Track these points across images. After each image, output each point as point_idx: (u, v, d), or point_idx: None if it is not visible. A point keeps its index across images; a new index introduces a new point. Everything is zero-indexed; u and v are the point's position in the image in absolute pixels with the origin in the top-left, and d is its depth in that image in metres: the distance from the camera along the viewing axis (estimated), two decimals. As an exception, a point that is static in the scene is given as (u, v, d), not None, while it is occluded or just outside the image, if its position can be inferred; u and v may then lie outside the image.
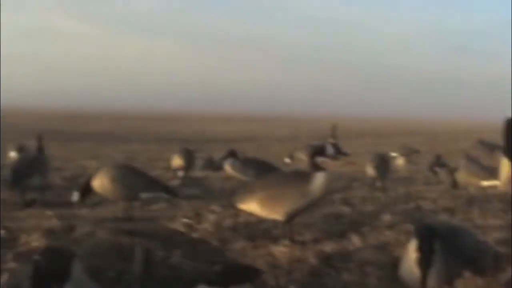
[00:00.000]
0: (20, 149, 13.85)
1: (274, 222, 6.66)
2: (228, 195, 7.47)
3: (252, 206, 6.34)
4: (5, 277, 4.92)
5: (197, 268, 3.38)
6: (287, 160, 18.12)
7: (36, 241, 6.37)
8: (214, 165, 14.50)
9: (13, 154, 13.84)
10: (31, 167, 8.82)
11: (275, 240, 6.34)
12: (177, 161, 12.59)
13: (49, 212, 8.15)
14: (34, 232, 6.81)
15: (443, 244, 4.44)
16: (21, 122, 42.40)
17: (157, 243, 3.48)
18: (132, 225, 5.26)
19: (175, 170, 12.63)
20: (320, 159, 6.26)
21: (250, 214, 6.66)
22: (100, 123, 45.72)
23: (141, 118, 69.52)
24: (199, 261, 3.42)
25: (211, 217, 7.63)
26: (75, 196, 7.98)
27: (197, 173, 13.99)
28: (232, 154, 10.58)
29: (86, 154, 18.33)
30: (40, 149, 9.33)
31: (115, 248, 3.44)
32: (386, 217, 7.76)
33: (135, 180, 7.71)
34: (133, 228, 3.89)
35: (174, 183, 11.55)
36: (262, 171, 9.60)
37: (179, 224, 7.27)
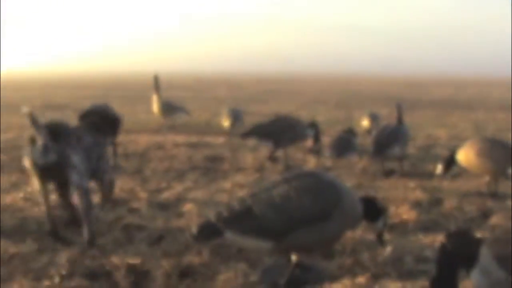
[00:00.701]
0: (373, 117, 14.14)
1: None
2: None
3: None
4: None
5: None
6: None
7: (405, 214, 6.39)
8: None
9: (365, 123, 14.19)
10: (392, 138, 8.88)
11: None
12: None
13: (411, 184, 8.16)
14: (402, 203, 6.86)
15: None
16: (365, 89, 43.72)
17: None
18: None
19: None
20: None
21: None
22: (442, 89, 44.97)
23: (481, 84, 66.71)
24: None
25: None
26: (438, 169, 7.87)
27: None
28: None
29: (432, 123, 18.09)
30: (399, 119, 9.33)
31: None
32: None
33: (504, 153, 7.26)
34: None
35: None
36: None
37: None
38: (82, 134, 5.50)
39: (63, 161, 5.08)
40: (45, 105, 23.38)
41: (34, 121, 4.97)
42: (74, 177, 5.12)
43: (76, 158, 5.15)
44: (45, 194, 5.40)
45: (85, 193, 5.20)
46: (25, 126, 14.43)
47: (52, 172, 5.18)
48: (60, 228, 5.64)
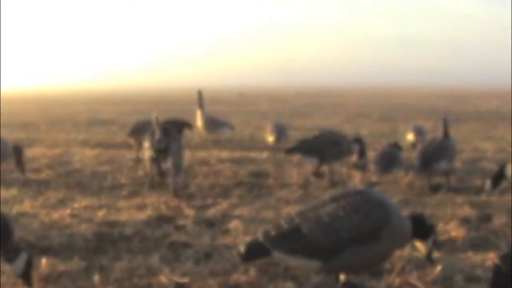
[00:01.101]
0: (418, 131, 13.96)
1: None
2: None
3: None
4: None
5: None
6: None
7: (454, 231, 6.28)
8: None
9: (410, 137, 14.01)
10: (438, 152, 8.76)
11: None
12: None
13: (459, 199, 8.03)
14: (450, 220, 6.74)
15: None
16: (409, 101, 43.28)
17: None
18: None
19: None
20: None
21: None
22: (487, 101, 44.27)
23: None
24: None
25: None
26: (487, 184, 7.74)
27: None
28: None
29: (478, 135, 17.80)
30: (446, 133, 9.20)
31: None
32: None
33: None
34: None
35: None
36: None
37: None
38: (176, 135, 8.78)
39: (168, 148, 8.46)
40: (91, 121, 23.72)
41: (157, 122, 8.43)
42: (173, 158, 8.43)
43: (174, 147, 8.51)
44: (151, 164, 8.85)
45: (177, 167, 8.50)
46: (71, 142, 14.63)
47: (161, 153, 8.55)
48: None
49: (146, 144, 8.74)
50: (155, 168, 9.03)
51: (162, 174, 9.11)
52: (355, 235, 3.96)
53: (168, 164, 8.53)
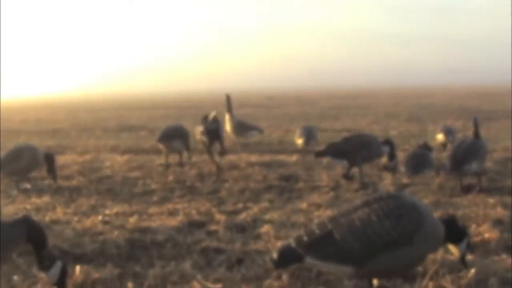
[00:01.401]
0: (448, 131, 13.83)
1: None
2: None
3: None
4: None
5: None
6: None
7: (487, 232, 6.20)
8: None
9: (440, 137, 13.89)
10: (469, 153, 8.67)
11: None
12: None
13: (491, 200, 7.93)
14: (483, 221, 6.66)
15: None
16: (437, 101, 42.89)
17: None
18: None
19: None
20: None
21: None
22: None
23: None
24: None
25: None
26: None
27: None
28: None
29: (509, 134, 17.56)
30: (476, 133, 9.11)
31: None
32: None
33: None
34: None
35: None
36: None
37: None
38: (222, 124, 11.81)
39: (217, 130, 11.00)
40: (121, 126, 23.90)
41: (214, 117, 11.11)
42: (221, 140, 11.08)
43: (221, 132, 11.18)
44: (210, 149, 11.17)
45: (224, 148, 11.33)
46: (101, 148, 14.74)
47: (211, 135, 10.88)
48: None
49: (199, 128, 11.34)
50: (205, 148, 11.31)
51: (211, 153, 11.24)
52: (387, 240, 3.95)
53: (216, 146, 11.15)
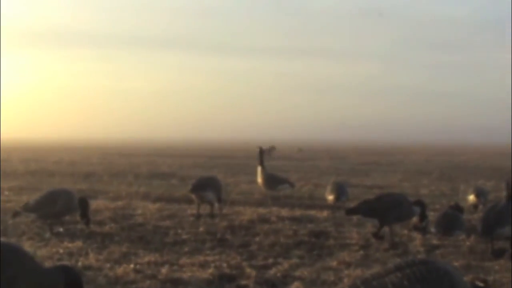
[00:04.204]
0: (480, 192, 13.73)
1: None
2: None
3: None
4: None
5: None
6: None
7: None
8: None
9: (472, 198, 13.80)
10: (502, 217, 8.64)
11: None
12: None
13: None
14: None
15: None
16: (468, 159, 42.64)
17: None
18: None
19: None
20: None
21: None
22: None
23: None
24: None
25: None
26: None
27: None
28: None
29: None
30: (509, 196, 9.09)
31: None
32: None
33: None
34: None
35: None
36: None
37: None
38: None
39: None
40: (152, 173, 24.13)
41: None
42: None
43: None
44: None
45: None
46: (133, 195, 14.87)
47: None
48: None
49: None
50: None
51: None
52: None
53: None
